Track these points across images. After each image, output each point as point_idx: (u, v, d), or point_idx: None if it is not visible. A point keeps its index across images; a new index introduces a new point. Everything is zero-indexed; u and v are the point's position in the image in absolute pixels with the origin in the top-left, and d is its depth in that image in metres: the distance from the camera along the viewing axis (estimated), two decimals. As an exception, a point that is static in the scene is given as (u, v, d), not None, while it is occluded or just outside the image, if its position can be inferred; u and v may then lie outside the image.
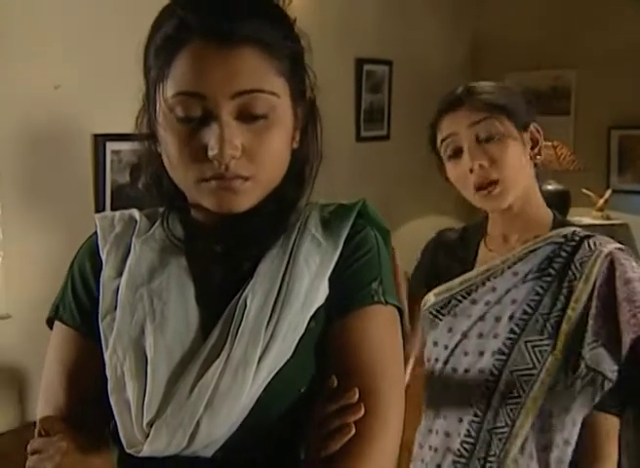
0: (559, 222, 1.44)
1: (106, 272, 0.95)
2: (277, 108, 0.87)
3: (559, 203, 3.67)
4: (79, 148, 2.26)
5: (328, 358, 0.89)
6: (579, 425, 1.33)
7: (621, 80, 3.86)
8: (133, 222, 0.99)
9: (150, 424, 0.83)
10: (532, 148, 1.42)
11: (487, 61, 4.17)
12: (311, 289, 0.89)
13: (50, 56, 2.14)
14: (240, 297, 0.88)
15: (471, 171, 1.37)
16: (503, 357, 1.35)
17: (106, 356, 0.89)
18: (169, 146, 0.87)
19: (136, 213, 1.00)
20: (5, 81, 2.04)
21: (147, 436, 0.83)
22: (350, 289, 0.90)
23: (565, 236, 1.38)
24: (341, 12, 3.36)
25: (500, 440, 1.34)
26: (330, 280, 0.90)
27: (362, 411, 0.84)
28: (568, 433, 1.33)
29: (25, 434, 0.97)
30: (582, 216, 3.67)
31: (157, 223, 0.97)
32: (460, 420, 1.38)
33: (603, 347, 1.30)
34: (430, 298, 1.46)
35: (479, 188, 1.38)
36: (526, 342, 1.33)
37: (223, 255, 0.92)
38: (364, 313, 0.89)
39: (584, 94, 4.09)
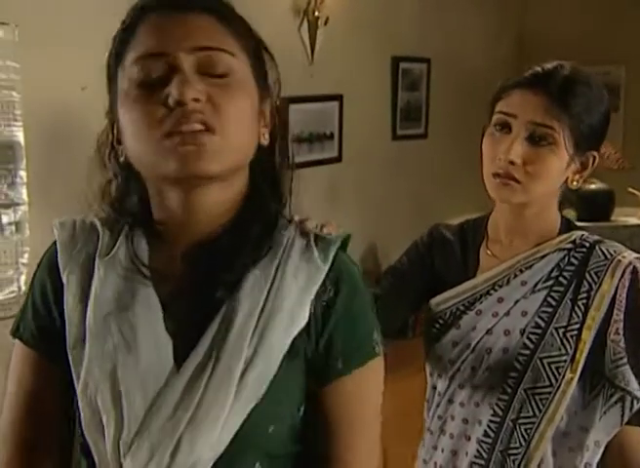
0: (566, 226, 1.35)
1: (70, 298, 0.90)
2: (237, 71, 0.85)
3: (603, 203, 3.55)
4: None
5: (322, 412, 0.88)
6: (603, 448, 1.25)
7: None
8: (94, 236, 0.93)
9: (129, 446, 0.82)
10: (577, 172, 1.30)
11: (532, 58, 4.03)
12: (298, 304, 0.85)
13: (77, 58, 2.15)
14: (225, 311, 0.85)
15: (500, 159, 1.26)
16: (516, 374, 1.27)
17: (78, 389, 0.86)
18: (129, 115, 0.84)
19: (97, 223, 0.94)
20: (35, 84, 2.07)
21: (126, 455, 0.81)
22: (353, 335, 0.88)
23: (573, 241, 1.30)
24: (378, 10, 3.32)
25: (513, 462, 1.27)
26: (318, 306, 0.87)
27: None
28: (589, 456, 1.25)
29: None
30: (628, 217, 3.55)
31: (120, 239, 0.92)
32: (469, 438, 1.31)
33: (629, 365, 1.22)
34: (431, 308, 1.37)
35: (497, 175, 1.27)
36: (541, 359, 1.25)
37: (194, 285, 0.88)
38: (367, 371, 0.88)
39: (634, 89, 3.97)
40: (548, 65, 1.28)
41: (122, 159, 0.89)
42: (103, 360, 0.85)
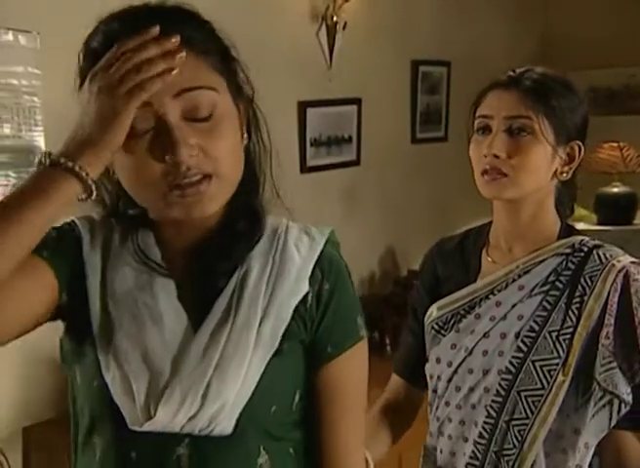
0: (566, 231, 1.35)
1: (93, 283, 0.95)
2: (219, 104, 0.89)
3: (625, 206, 3.52)
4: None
5: (315, 396, 0.97)
6: (592, 450, 1.27)
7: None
8: (108, 231, 0.99)
9: (161, 396, 0.88)
10: (565, 164, 1.32)
11: (556, 60, 4.00)
12: (302, 270, 0.95)
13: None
14: (237, 276, 0.94)
15: (485, 156, 1.29)
16: (510, 376, 1.28)
17: (109, 359, 0.91)
18: (125, 168, 0.89)
19: (111, 220, 1.00)
20: (56, 90, 2.06)
21: (158, 404, 0.88)
22: (341, 323, 0.97)
23: (572, 246, 1.31)
24: (396, 14, 3.32)
25: (507, 462, 1.28)
26: (312, 295, 0.96)
27: None
28: (580, 458, 1.26)
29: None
30: (651, 220, 3.52)
31: (129, 235, 0.98)
32: (466, 440, 1.33)
33: (619, 368, 1.24)
34: (433, 312, 1.40)
35: (485, 172, 1.30)
36: (534, 361, 1.27)
37: (196, 277, 0.95)
38: (352, 354, 0.98)
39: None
40: (521, 68, 1.33)
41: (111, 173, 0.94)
42: (130, 330, 0.92)
